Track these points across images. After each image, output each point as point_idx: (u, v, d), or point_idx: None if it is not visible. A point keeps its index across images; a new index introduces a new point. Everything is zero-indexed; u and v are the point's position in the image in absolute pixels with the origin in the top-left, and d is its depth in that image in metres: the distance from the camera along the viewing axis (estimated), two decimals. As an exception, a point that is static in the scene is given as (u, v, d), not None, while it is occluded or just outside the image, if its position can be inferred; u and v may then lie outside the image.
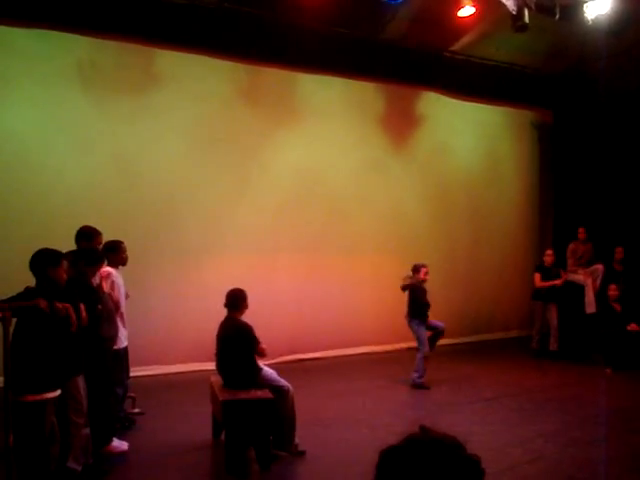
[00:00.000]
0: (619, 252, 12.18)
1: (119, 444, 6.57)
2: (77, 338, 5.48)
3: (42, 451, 5.11)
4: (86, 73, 9.80)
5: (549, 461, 6.45)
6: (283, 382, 6.62)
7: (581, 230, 12.61)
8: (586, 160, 13.14)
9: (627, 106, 12.37)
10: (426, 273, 9.88)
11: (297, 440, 6.55)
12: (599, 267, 12.24)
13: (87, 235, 6.86)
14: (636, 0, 10.59)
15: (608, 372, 10.54)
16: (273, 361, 10.38)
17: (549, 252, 12.29)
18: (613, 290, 11.30)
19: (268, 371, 6.69)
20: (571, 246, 12.70)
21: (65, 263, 5.47)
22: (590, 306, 12.03)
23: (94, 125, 9.86)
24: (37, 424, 5.05)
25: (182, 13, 9.47)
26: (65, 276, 5.43)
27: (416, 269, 9.86)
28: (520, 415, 8.19)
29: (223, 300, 9.12)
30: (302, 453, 6.51)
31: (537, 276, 12.07)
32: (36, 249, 5.32)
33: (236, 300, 6.78)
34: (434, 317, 10.13)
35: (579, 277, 12.35)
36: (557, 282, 11.95)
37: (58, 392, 5.26)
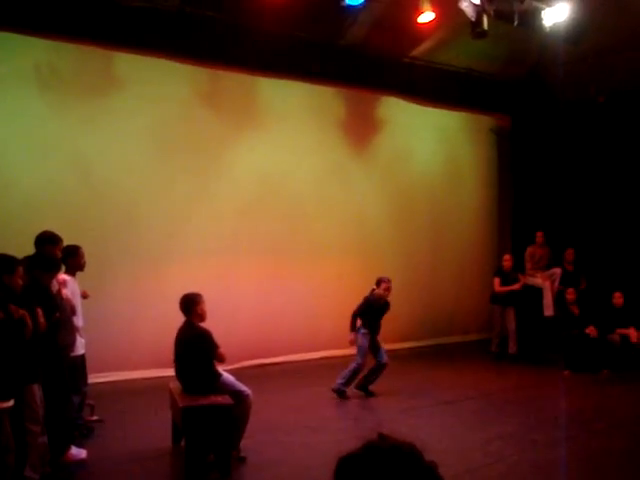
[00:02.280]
0: (570, 254, 12.36)
1: (77, 452, 6.48)
2: (32, 345, 5.40)
3: None
4: (44, 76, 9.67)
5: (508, 463, 6.50)
6: (243, 387, 6.59)
7: (539, 234, 12.72)
8: (544, 165, 13.32)
9: (583, 113, 12.58)
10: (386, 289, 9.55)
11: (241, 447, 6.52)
12: (556, 270, 12.40)
13: (52, 240, 6.76)
14: (593, 9, 10.77)
15: (566, 374, 10.68)
16: (234, 366, 10.32)
17: (507, 257, 12.41)
18: (571, 294, 11.44)
19: (227, 377, 6.65)
20: (529, 250, 12.81)
21: (20, 269, 5.39)
22: (548, 309, 12.18)
23: (52, 129, 9.73)
24: None
25: (142, 16, 9.37)
26: (21, 282, 5.35)
27: (377, 282, 9.69)
28: (479, 418, 8.26)
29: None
30: (243, 460, 6.46)
31: (496, 281, 12.19)
32: (-9, 255, 5.24)
33: (187, 304, 6.71)
34: (393, 320, 10.14)
35: (537, 280, 12.50)
36: (516, 287, 12.09)
37: (12, 402, 5.17)
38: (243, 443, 6.56)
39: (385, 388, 9.68)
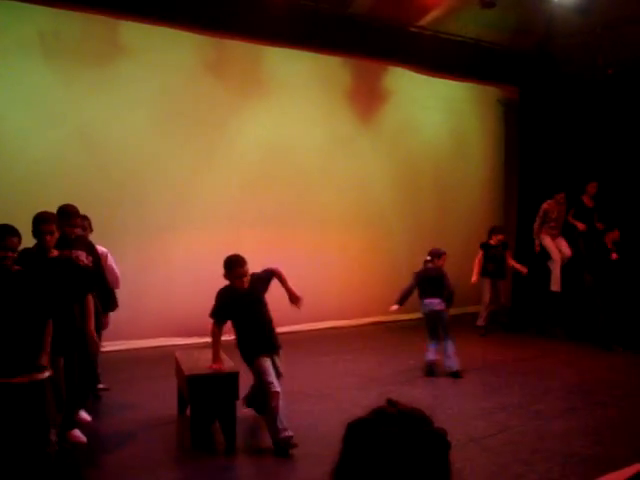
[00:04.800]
0: (592, 187, 11.78)
1: (84, 416, 6.57)
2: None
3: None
4: (49, 44, 9.60)
5: (512, 433, 6.55)
6: (271, 379, 6.12)
7: (562, 195, 12.05)
8: (551, 137, 13.22)
9: (592, 84, 12.46)
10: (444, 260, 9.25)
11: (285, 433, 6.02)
12: (565, 247, 12.10)
13: (61, 215, 6.64)
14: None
15: (618, 349, 10.35)
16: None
17: (500, 237, 11.81)
18: (615, 236, 10.71)
19: (265, 362, 6.24)
20: (545, 206, 12.09)
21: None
22: (556, 284, 12.04)
23: (57, 97, 9.69)
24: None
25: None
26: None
27: (438, 255, 9.20)
28: (483, 389, 8.30)
29: (187, 274, 9.09)
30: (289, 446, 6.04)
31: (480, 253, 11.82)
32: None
33: (224, 265, 6.48)
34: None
35: (552, 250, 12.05)
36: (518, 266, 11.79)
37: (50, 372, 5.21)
38: (247, 411, 6.63)
39: (388, 359, 9.72)
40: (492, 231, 11.90)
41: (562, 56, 12.64)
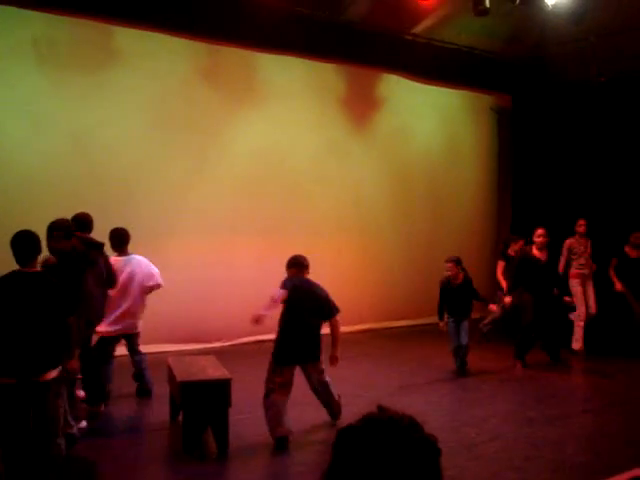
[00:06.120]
0: (637, 237, 10.65)
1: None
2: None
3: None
4: (41, 50, 9.59)
5: (505, 440, 6.55)
6: (270, 390, 6.48)
7: (581, 222, 10.84)
8: (544, 145, 13.27)
9: (585, 93, 12.51)
10: (446, 269, 9.57)
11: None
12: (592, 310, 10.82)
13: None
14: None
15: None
16: (233, 342, 10.35)
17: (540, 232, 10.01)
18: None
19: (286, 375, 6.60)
20: (568, 241, 10.90)
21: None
22: (577, 342, 10.75)
23: (50, 103, 9.67)
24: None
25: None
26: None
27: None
28: (476, 396, 8.29)
29: (181, 281, 8.95)
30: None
31: (501, 265, 11.02)
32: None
33: (300, 260, 7.50)
34: (391, 298, 10.03)
35: (579, 298, 10.65)
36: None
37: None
38: (239, 418, 6.61)
39: (382, 366, 9.71)
40: (508, 240, 11.20)
41: (555, 64, 12.69)
